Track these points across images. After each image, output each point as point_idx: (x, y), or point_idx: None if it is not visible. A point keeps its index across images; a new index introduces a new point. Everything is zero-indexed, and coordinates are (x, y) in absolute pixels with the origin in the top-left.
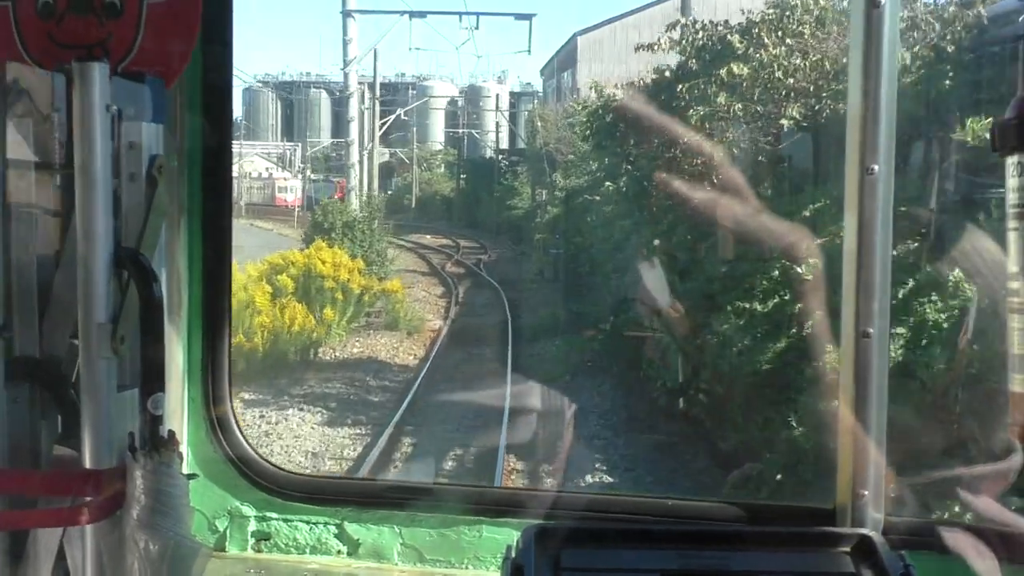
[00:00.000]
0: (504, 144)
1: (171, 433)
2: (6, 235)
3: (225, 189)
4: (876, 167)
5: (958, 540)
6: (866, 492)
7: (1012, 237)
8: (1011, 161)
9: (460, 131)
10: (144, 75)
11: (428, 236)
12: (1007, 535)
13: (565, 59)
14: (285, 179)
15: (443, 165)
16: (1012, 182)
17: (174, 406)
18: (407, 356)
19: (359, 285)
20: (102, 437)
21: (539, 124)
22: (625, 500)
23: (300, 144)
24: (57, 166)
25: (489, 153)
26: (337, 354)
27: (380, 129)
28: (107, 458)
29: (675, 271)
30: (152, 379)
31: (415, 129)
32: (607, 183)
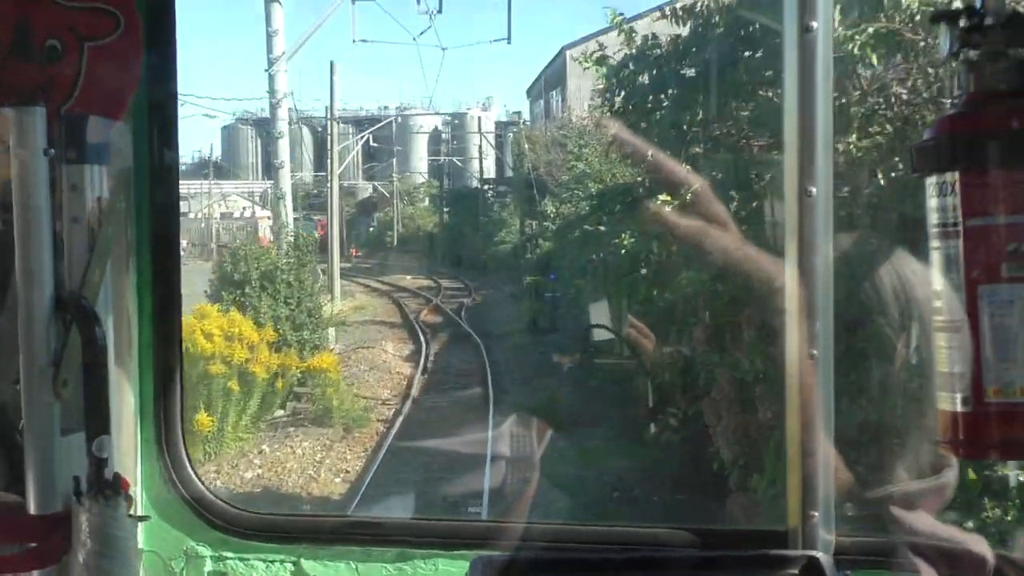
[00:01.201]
0: (490, 173)
1: (117, 476)
2: None
3: (173, 229)
4: (814, 189)
5: (907, 558)
6: (816, 513)
7: (934, 256)
8: (930, 181)
9: (442, 159)
10: (86, 117)
11: (408, 277)
12: (952, 551)
13: (553, 76)
14: (270, 217)
15: (427, 198)
16: (932, 202)
17: (127, 448)
18: (329, 478)
19: (270, 364)
20: (46, 482)
21: (526, 146)
22: (578, 529)
23: (276, 182)
24: None
25: (474, 183)
26: (226, 472)
27: (340, 163)
28: (52, 503)
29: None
30: (96, 421)
31: (394, 160)
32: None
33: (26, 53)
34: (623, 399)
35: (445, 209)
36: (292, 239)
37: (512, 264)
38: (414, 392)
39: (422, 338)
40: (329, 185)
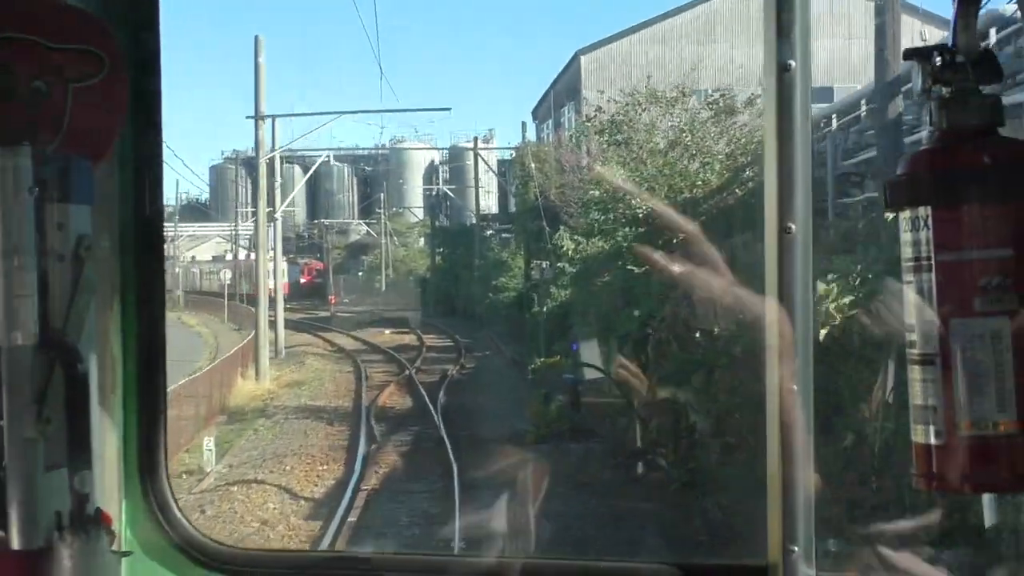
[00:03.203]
0: (492, 209)
1: (99, 511)
2: None
3: (158, 267)
4: (793, 226)
5: None
6: (796, 548)
7: (907, 290)
8: (903, 216)
9: (435, 189)
10: (71, 157)
11: (387, 331)
12: None
13: (565, 88)
14: (269, 260)
15: (421, 238)
16: (905, 236)
17: (110, 485)
18: None
19: None
20: (28, 518)
21: (532, 166)
22: (560, 564)
23: (273, 223)
24: None
25: (472, 220)
26: None
27: (285, 201)
28: (34, 539)
29: None
30: (79, 457)
31: (382, 196)
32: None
33: (11, 94)
34: None
35: (438, 250)
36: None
37: (515, 317)
38: None
39: (363, 451)
40: (255, 220)
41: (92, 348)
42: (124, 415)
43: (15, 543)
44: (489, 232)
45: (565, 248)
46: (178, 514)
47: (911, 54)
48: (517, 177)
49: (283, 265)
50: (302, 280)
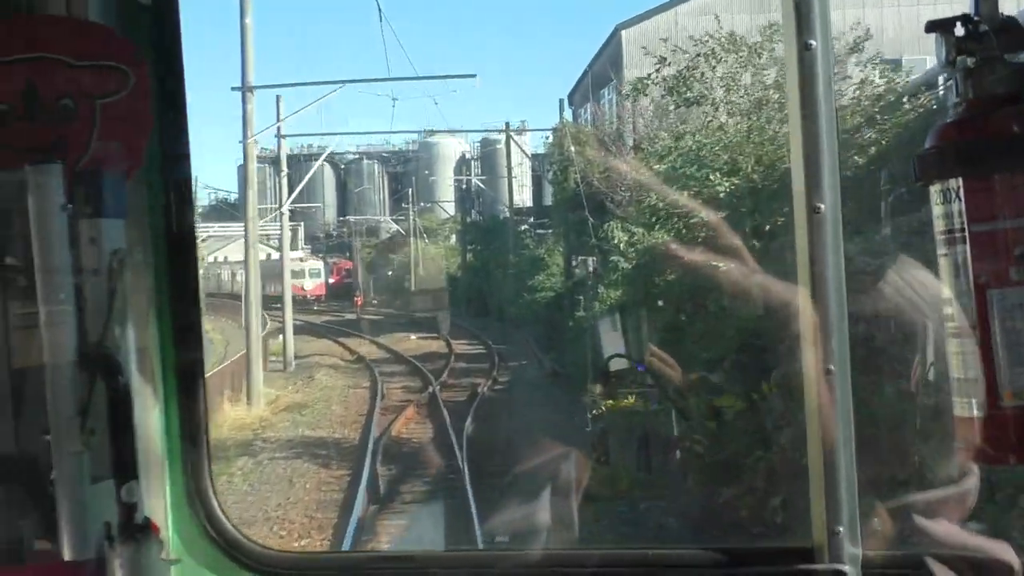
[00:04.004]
0: (526, 203)
1: (147, 520)
2: None
3: (192, 277)
4: (822, 206)
5: (936, 570)
6: (841, 528)
7: (942, 263)
8: (934, 189)
9: (467, 182)
10: (101, 172)
11: (413, 336)
12: (979, 561)
13: (604, 67)
14: (302, 260)
15: (453, 235)
16: (937, 210)
17: (155, 493)
18: None
19: None
20: (79, 529)
21: (572, 150)
22: (602, 553)
23: (302, 223)
24: (20, 268)
25: (504, 214)
26: None
27: (289, 198)
28: (85, 549)
29: None
30: (124, 468)
31: (411, 191)
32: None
33: (40, 113)
34: None
35: (469, 246)
36: None
37: (554, 320)
38: None
39: (358, 514)
40: (245, 217)
41: (131, 360)
42: (166, 424)
43: (66, 554)
44: (523, 227)
45: (616, 240)
46: (223, 520)
47: (934, 26)
48: (555, 162)
49: (318, 264)
50: (331, 280)
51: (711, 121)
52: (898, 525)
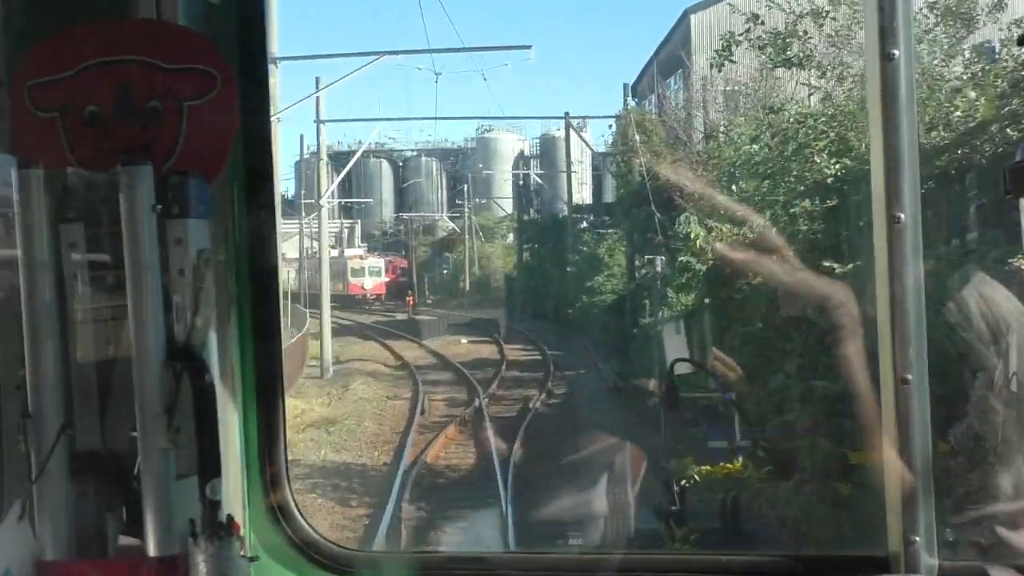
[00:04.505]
0: (585, 201)
1: (230, 518)
2: (65, 336)
3: (273, 278)
4: (902, 215)
5: None
6: (918, 538)
7: None
8: None
9: (523, 177)
10: (188, 173)
11: (465, 340)
12: None
13: (671, 53)
14: (361, 258)
15: (510, 234)
16: None
17: (234, 491)
18: None
19: None
20: (164, 525)
21: (637, 139)
22: (673, 558)
23: (358, 221)
24: (109, 266)
25: (563, 212)
26: None
27: (329, 190)
28: (170, 545)
29: None
30: (209, 466)
31: (468, 188)
32: None
33: (129, 114)
34: None
35: (526, 245)
36: None
37: (615, 326)
38: None
39: None
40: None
41: (214, 359)
42: (244, 423)
43: (151, 550)
44: (583, 225)
45: (693, 236)
46: (299, 518)
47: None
48: (618, 153)
49: (379, 263)
50: (386, 278)
51: (813, 93)
52: (976, 536)
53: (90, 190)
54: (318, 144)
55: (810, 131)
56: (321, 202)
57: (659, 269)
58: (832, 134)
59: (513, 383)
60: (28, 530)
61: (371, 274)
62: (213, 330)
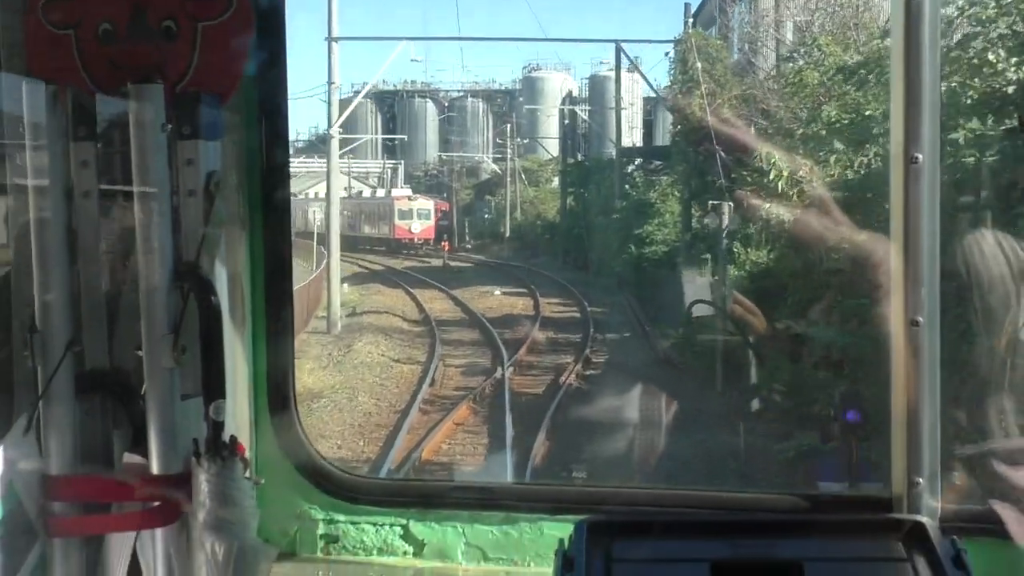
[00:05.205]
0: (635, 142)
1: (233, 438)
2: (73, 254)
3: (284, 201)
4: (920, 156)
5: (1016, 525)
6: (921, 480)
7: None
8: None
9: (570, 115)
10: (200, 94)
11: (499, 291)
12: None
13: None
14: (410, 199)
15: (555, 178)
16: None
17: (241, 413)
18: None
19: None
20: (168, 444)
21: (699, 67)
22: (680, 493)
23: (402, 162)
24: (119, 185)
25: (611, 155)
26: None
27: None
28: (173, 464)
29: None
30: (213, 387)
31: (511, 127)
32: None
33: (143, 34)
34: None
35: (569, 190)
36: None
37: (665, 282)
38: None
39: None
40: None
41: (223, 281)
42: (253, 346)
43: (156, 467)
44: (631, 168)
45: (774, 176)
46: (305, 443)
47: None
48: (677, 82)
49: (428, 205)
50: (432, 220)
51: None
52: (977, 477)
53: (103, 108)
54: (329, 65)
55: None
56: (331, 132)
57: (726, 218)
58: (1003, 24)
59: (545, 347)
60: (34, 444)
61: (420, 217)
62: (223, 254)
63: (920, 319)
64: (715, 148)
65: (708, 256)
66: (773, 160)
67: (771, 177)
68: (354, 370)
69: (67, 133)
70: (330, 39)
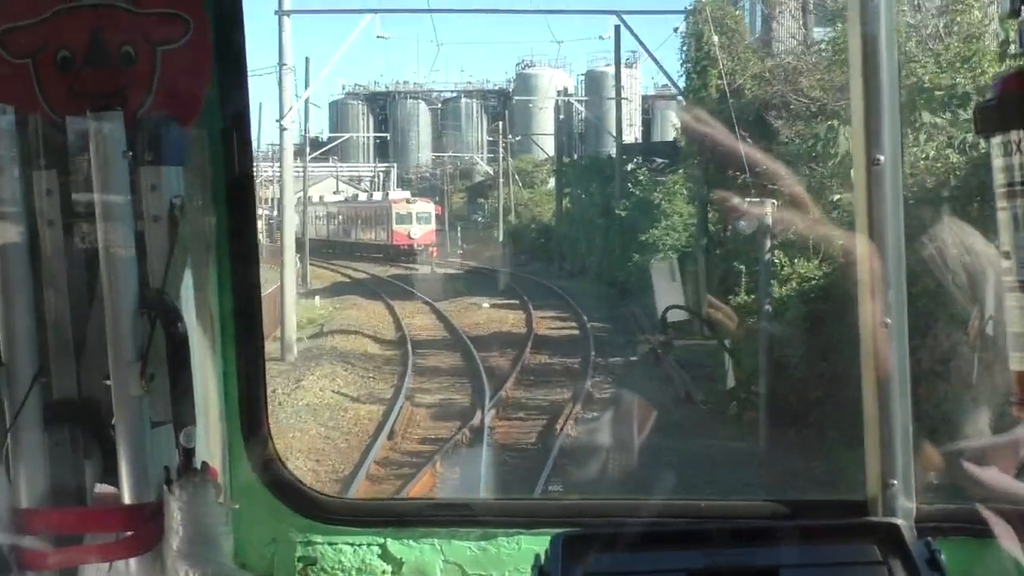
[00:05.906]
0: (635, 139)
1: (204, 464)
2: (38, 284)
3: (250, 223)
4: (882, 158)
5: (990, 523)
6: (895, 481)
7: (1001, 217)
8: (995, 141)
9: (565, 109)
10: (161, 119)
11: (487, 303)
12: None
13: None
14: (408, 202)
15: (550, 178)
16: (998, 162)
17: (213, 438)
18: None
19: None
20: (139, 473)
21: (715, 41)
22: (656, 503)
23: (395, 164)
24: (82, 213)
25: (610, 152)
26: None
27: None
28: (145, 493)
29: None
30: (183, 413)
31: (503, 124)
32: None
33: (102, 60)
34: None
35: (565, 190)
36: None
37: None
38: None
39: None
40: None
41: (190, 306)
42: (224, 370)
43: (127, 497)
44: (631, 167)
45: (839, 156)
46: (280, 465)
47: None
48: (689, 61)
49: (428, 208)
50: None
51: None
52: (951, 477)
53: (63, 136)
54: (280, 42)
55: None
56: (283, 123)
57: (770, 217)
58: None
59: (537, 376)
60: (3, 477)
61: (420, 221)
62: (191, 278)
63: (888, 320)
64: (738, 137)
65: (734, 266)
66: (838, 131)
67: (837, 160)
68: (295, 417)
69: (30, 161)
70: (280, 12)
